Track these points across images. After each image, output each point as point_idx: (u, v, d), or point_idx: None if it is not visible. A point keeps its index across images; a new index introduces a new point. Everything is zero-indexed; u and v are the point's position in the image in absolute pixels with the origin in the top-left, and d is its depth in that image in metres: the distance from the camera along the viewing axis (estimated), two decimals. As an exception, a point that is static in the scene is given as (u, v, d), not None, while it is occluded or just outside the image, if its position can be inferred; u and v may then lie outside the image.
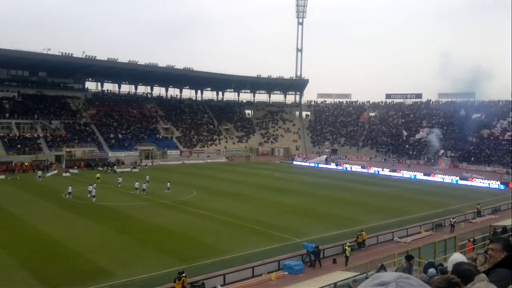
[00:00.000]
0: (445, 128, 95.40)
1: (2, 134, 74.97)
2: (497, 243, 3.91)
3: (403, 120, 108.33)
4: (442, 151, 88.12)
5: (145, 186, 46.65)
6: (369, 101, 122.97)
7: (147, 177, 53.18)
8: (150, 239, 29.10)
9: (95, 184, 46.30)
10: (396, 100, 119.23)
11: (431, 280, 2.55)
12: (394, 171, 71.41)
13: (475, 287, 2.66)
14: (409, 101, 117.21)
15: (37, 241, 27.97)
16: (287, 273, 23.56)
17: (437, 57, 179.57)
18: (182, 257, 25.20)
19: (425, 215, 38.44)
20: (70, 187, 44.61)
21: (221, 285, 21.68)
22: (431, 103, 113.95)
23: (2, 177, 57.47)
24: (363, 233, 28.71)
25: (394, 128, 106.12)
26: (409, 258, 12.84)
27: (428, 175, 66.04)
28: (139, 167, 71.26)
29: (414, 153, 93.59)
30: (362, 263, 23.32)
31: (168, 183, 48.30)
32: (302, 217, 36.52)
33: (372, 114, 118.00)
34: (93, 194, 42.16)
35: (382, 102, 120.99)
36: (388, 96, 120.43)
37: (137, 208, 39.13)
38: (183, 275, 20.34)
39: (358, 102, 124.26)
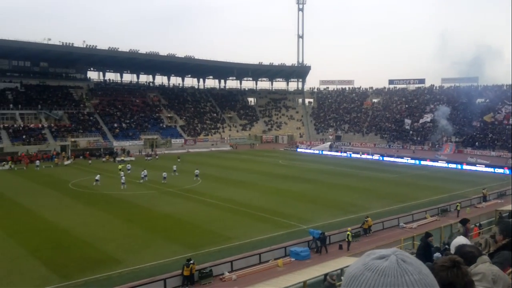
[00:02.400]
0: (449, 113, 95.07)
1: (6, 125, 75.36)
2: (498, 227, 4.06)
3: (406, 106, 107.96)
4: (445, 138, 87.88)
5: (165, 175, 46.77)
6: (372, 87, 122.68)
7: (174, 166, 53.40)
8: (157, 227, 29.33)
9: (123, 173, 47.12)
10: (399, 86, 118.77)
11: (435, 261, 2.62)
12: (392, 156, 71.88)
13: (478, 269, 2.72)
14: (412, 87, 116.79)
15: (45, 230, 28.23)
16: (293, 259, 23.75)
17: (439, 39, 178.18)
18: (189, 245, 25.40)
19: (430, 200, 38.56)
20: (98, 175, 45.77)
21: (228, 272, 21.89)
22: (434, 88, 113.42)
23: (5, 168, 57.90)
24: (369, 219, 28.88)
25: (397, 114, 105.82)
26: (464, 222, 11.63)
27: (423, 160, 66.33)
28: (149, 158, 70.65)
29: (418, 138, 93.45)
30: (369, 248, 23.51)
31: (197, 170, 49.09)
32: (307, 204, 36.70)
33: (375, 100, 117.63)
34: (122, 181, 43.53)
35: (385, 88, 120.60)
36: (391, 81, 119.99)
37: (144, 196, 39.42)
38: (191, 262, 20.54)
39: (361, 88, 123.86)
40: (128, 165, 54.67)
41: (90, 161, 64.30)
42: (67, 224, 29.66)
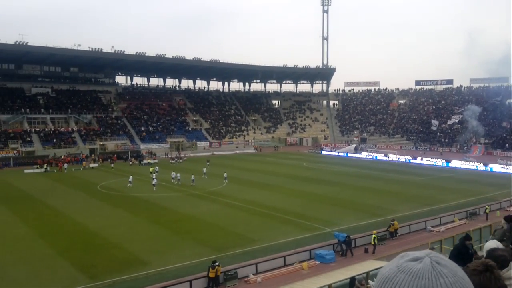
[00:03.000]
0: (477, 114, 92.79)
1: (38, 129, 77.63)
2: None
3: (433, 107, 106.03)
4: (474, 139, 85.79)
5: (193, 177, 47.67)
6: (398, 89, 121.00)
7: (204, 169, 53.94)
8: (183, 229, 29.69)
9: (154, 175, 48.74)
10: (426, 87, 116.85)
11: (467, 265, 2.53)
12: (415, 158, 71.03)
13: (510, 273, 2.65)
14: (439, 88, 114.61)
15: (74, 231, 28.89)
16: (318, 262, 23.63)
17: (466, 39, 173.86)
18: (214, 247, 25.59)
19: (458, 203, 37.74)
20: (131, 176, 47.05)
21: (253, 274, 21.94)
22: (462, 89, 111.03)
23: (41, 170, 59.62)
24: (395, 222, 28.48)
25: (424, 116, 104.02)
26: (509, 219, 10.53)
27: (451, 162, 64.92)
28: (176, 160, 70.27)
29: (446, 140, 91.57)
30: (395, 252, 23.21)
31: (225, 173, 49.47)
32: (332, 207, 36.49)
33: (401, 101, 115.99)
34: (153, 183, 44.54)
35: (411, 89, 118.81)
36: (417, 82, 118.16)
37: (170, 199, 39.95)
38: (217, 264, 20.68)
39: (387, 90, 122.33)
40: (156, 167, 55.47)
41: (112, 165, 64.11)
42: (95, 225, 30.30)
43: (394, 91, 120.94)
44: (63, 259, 23.64)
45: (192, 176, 47.86)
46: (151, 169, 53.38)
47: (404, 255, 1.63)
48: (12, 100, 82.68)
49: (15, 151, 69.29)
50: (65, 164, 61.32)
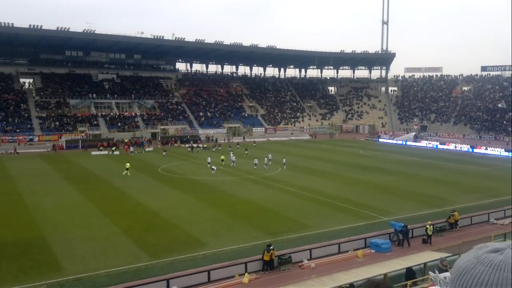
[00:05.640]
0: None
1: (104, 113, 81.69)
2: None
3: (501, 94, 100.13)
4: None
5: (256, 162, 49.41)
6: (462, 75, 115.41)
7: (270, 155, 53.26)
8: (239, 212, 30.34)
9: (234, 157, 52.05)
10: (492, 73, 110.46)
11: None
12: (475, 147, 68.32)
13: None
14: (507, 73, 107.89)
15: (137, 211, 30.32)
16: (374, 251, 23.43)
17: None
18: (269, 231, 25.97)
19: (525, 196, 35.75)
20: (209, 158, 50.36)
21: (307, 259, 22.15)
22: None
23: (105, 152, 62.85)
24: (455, 213, 27.54)
25: (490, 103, 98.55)
26: None
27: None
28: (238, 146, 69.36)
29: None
30: (455, 244, 22.54)
31: (284, 159, 50.61)
32: (389, 196, 35.79)
33: (465, 88, 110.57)
34: (213, 167, 46.36)
35: (477, 75, 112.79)
36: (483, 68, 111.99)
37: (226, 182, 40.89)
38: (271, 248, 21.02)
39: (450, 76, 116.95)
40: (231, 153, 56.00)
41: (164, 152, 60.23)
42: (156, 206, 31.61)
43: (458, 77, 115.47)
44: (126, 237, 24.81)
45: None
46: (222, 157, 52.41)
47: (483, 246, 1.58)
48: (81, 85, 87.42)
49: (83, 134, 73.54)
50: (131, 147, 64.12)
